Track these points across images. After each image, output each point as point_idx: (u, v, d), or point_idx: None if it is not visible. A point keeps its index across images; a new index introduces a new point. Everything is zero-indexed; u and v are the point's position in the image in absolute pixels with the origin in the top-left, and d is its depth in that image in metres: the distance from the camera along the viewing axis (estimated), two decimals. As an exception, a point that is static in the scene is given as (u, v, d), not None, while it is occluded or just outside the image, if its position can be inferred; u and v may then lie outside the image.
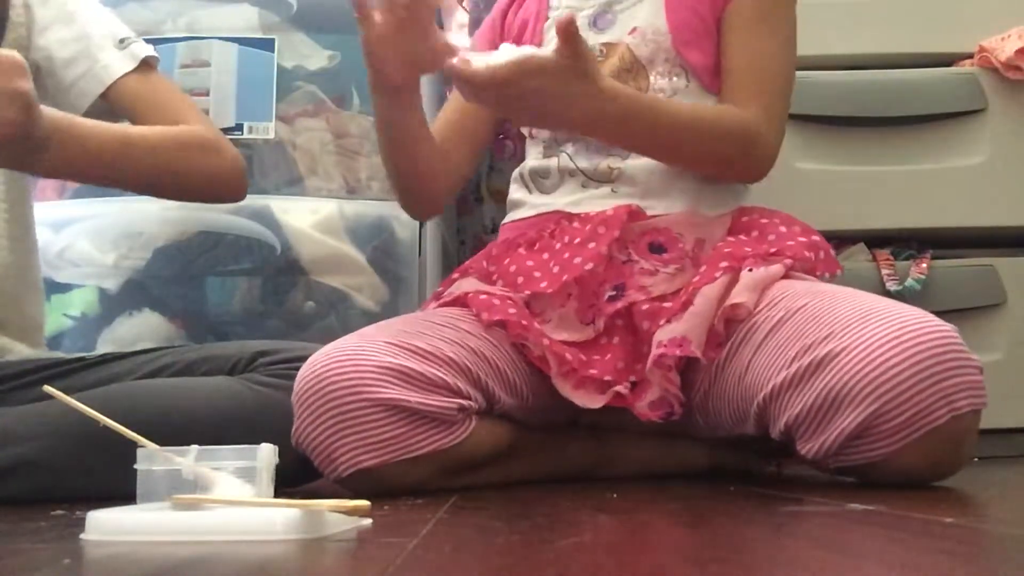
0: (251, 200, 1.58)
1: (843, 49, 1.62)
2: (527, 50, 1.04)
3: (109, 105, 1.22)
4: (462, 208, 1.90)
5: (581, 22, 1.27)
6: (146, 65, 1.25)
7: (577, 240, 1.17)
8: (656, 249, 1.16)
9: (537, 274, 1.17)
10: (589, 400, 1.09)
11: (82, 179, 1.17)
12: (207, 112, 1.64)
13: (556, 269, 1.16)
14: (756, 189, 1.29)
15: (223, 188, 1.26)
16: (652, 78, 1.22)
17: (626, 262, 1.16)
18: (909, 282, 1.53)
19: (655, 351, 1.05)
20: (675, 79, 1.22)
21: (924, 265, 1.54)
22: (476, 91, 1.04)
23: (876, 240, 1.60)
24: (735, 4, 1.21)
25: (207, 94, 1.64)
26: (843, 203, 1.57)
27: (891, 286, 1.52)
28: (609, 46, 1.24)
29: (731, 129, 1.17)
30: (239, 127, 1.64)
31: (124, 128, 1.15)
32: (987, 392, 0.93)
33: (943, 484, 0.97)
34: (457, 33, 1.98)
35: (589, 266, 1.13)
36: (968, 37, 1.61)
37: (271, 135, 1.65)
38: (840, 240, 1.59)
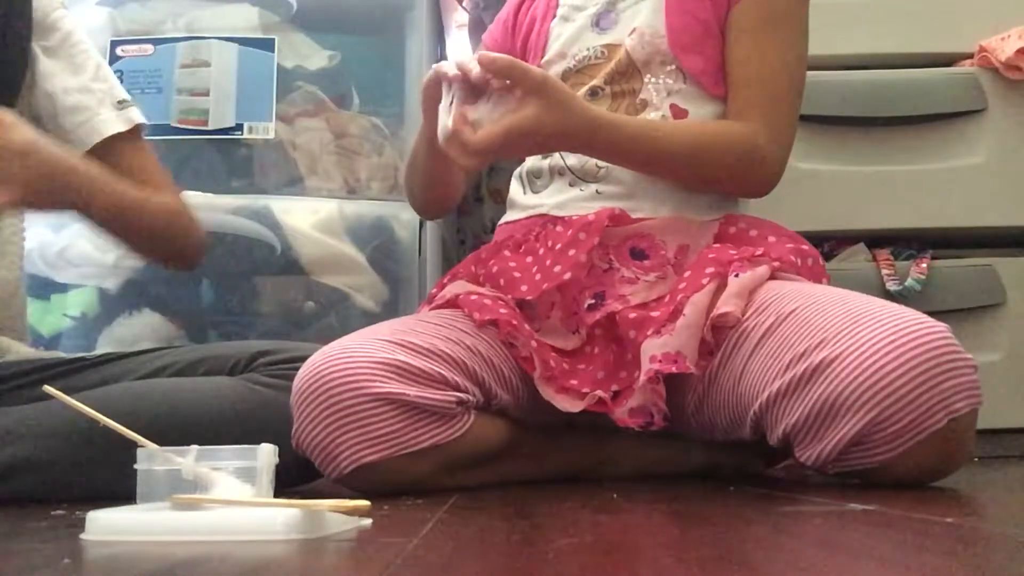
0: (251, 200, 1.59)
1: (843, 49, 1.62)
2: (506, 120, 1.03)
3: (95, 159, 1.24)
4: (462, 208, 1.91)
5: (584, 22, 1.27)
6: (136, 130, 1.27)
7: (559, 246, 1.17)
8: (638, 255, 1.16)
9: (518, 274, 1.17)
10: (570, 404, 1.09)
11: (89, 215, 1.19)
12: (207, 112, 1.65)
13: (538, 276, 1.16)
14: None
15: (182, 259, 1.32)
16: (646, 79, 1.22)
17: (607, 269, 1.16)
18: (909, 282, 1.53)
19: (649, 366, 1.05)
20: (670, 81, 1.21)
21: (924, 265, 1.54)
22: (474, 158, 1.06)
23: (876, 240, 1.60)
24: (738, 10, 1.20)
25: (207, 94, 1.64)
26: (843, 203, 1.57)
27: (891, 286, 1.52)
28: (610, 48, 1.24)
29: (731, 148, 1.16)
30: (239, 127, 1.64)
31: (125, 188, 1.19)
32: (986, 392, 0.93)
33: (943, 484, 0.97)
34: (457, 33, 1.99)
35: (567, 275, 1.14)
36: (968, 37, 1.61)
37: (271, 135, 1.65)
38: (840, 240, 1.60)
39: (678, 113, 1.21)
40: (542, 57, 1.30)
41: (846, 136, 1.59)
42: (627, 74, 1.22)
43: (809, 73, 1.56)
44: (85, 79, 1.25)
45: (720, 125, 1.20)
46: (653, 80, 1.21)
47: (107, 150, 1.23)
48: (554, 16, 1.31)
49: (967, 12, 1.62)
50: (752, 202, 1.27)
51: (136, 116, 1.27)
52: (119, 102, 1.26)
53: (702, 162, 1.16)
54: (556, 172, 1.24)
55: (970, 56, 1.61)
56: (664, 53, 1.21)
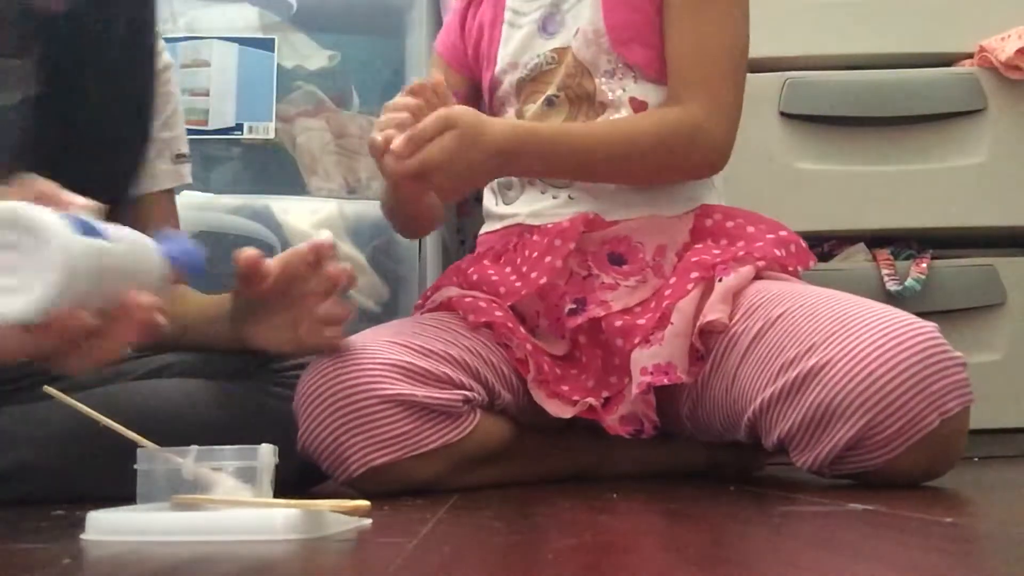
0: (251, 200, 1.59)
1: (843, 49, 1.62)
2: (423, 154, 1.02)
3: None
4: (462, 208, 1.91)
5: (530, 28, 1.25)
6: (180, 187, 1.24)
7: (535, 254, 1.16)
8: (616, 260, 1.15)
9: (495, 278, 1.17)
10: (561, 410, 1.10)
11: None
12: (207, 112, 1.64)
13: (518, 284, 1.16)
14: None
15: None
16: (598, 80, 1.20)
17: (587, 276, 1.15)
18: (909, 282, 1.53)
19: (641, 378, 1.05)
20: (621, 79, 1.20)
21: (924, 265, 1.54)
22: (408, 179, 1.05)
23: (876, 240, 1.60)
24: None
25: (207, 94, 1.64)
26: (843, 203, 1.57)
27: (891, 286, 1.52)
28: (560, 51, 1.22)
29: (668, 135, 1.14)
30: (239, 127, 1.64)
31: None
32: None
33: (943, 484, 0.97)
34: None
35: (543, 280, 1.13)
36: (968, 37, 1.61)
37: (271, 135, 1.65)
38: (840, 240, 1.59)
39: (639, 107, 1.19)
40: (495, 66, 1.27)
41: (846, 136, 1.59)
42: (577, 76, 1.20)
43: (809, 73, 1.58)
44: (155, 124, 1.18)
45: (655, 113, 1.17)
46: (605, 79, 1.20)
47: (144, 202, 1.18)
48: (503, 20, 1.27)
49: (967, 12, 1.62)
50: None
51: (186, 175, 1.23)
52: (177, 155, 1.22)
53: (641, 153, 1.14)
54: (527, 181, 1.23)
55: (970, 56, 1.61)
56: (608, 51, 1.19)
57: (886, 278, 1.53)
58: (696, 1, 1.17)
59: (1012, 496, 1.06)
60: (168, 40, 1.64)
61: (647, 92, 1.19)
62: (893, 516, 0.76)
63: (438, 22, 1.88)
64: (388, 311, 1.58)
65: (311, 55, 1.72)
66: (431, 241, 1.62)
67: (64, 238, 0.70)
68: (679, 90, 1.17)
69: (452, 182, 1.07)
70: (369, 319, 1.50)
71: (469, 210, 1.92)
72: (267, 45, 1.67)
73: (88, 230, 0.73)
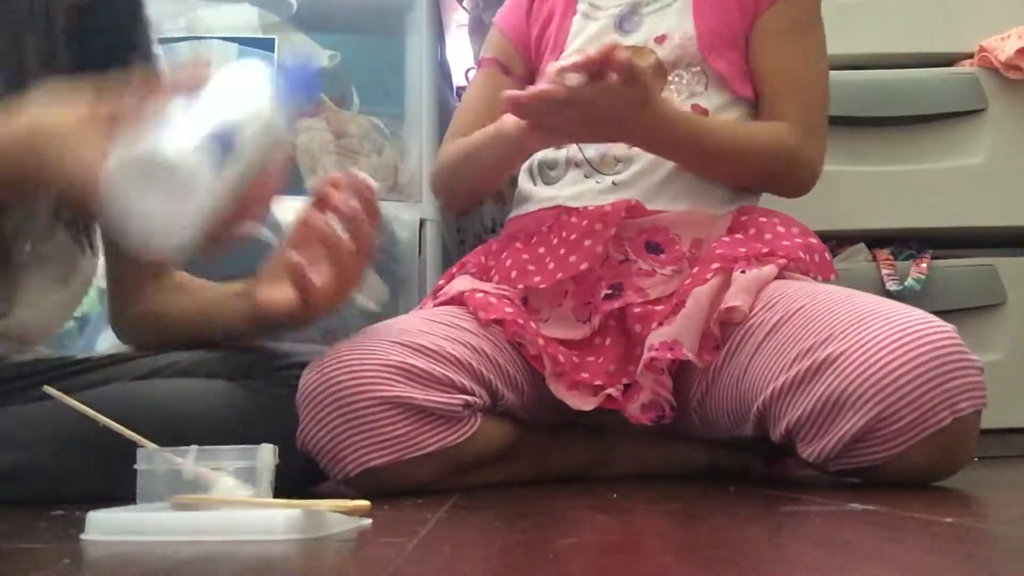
0: (251, 200, 1.58)
1: (843, 49, 1.62)
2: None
3: None
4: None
5: (606, 22, 1.28)
6: None
7: (574, 236, 1.17)
8: (653, 249, 1.16)
9: (532, 267, 1.17)
10: (582, 402, 1.09)
11: None
12: (207, 112, 1.64)
13: (552, 266, 1.16)
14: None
15: None
16: (671, 77, 1.23)
17: (623, 261, 1.16)
18: (909, 282, 1.53)
19: (646, 354, 1.05)
20: (695, 84, 1.22)
21: (924, 265, 1.54)
22: (552, 111, 1.07)
23: (876, 240, 1.60)
24: (765, 19, 1.23)
25: (207, 94, 1.64)
26: (843, 203, 1.57)
27: (891, 286, 1.52)
28: (634, 50, 1.24)
29: (771, 148, 1.19)
30: (239, 127, 1.64)
31: None
32: (987, 392, 0.93)
33: (943, 484, 0.97)
34: (457, 32, 1.99)
35: (584, 266, 1.14)
36: (968, 37, 1.61)
37: (271, 135, 1.65)
38: (840, 240, 1.60)
39: (699, 112, 1.22)
40: (561, 52, 1.30)
41: (846, 136, 1.59)
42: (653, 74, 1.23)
43: (809, 73, 1.58)
44: None
45: (762, 126, 1.22)
46: (678, 81, 1.22)
47: None
48: (575, 12, 1.31)
49: (967, 12, 1.62)
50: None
51: None
52: None
53: (747, 160, 1.20)
54: (572, 164, 1.24)
55: (970, 56, 1.61)
56: (693, 55, 1.23)
57: (886, 278, 1.53)
58: (788, 31, 1.23)
59: (1012, 496, 1.06)
60: (168, 40, 1.65)
61: (711, 101, 1.23)
62: (893, 516, 0.76)
63: (438, 22, 1.88)
64: (388, 311, 1.58)
65: (311, 55, 1.72)
66: (431, 241, 1.62)
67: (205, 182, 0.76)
68: (778, 114, 1.21)
69: (590, 128, 1.12)
70: (369, 319, 1.50)
71: (469, 209, 1.92)
72: (267, 45, 1.67)
73: (223, 148, 0.77)
